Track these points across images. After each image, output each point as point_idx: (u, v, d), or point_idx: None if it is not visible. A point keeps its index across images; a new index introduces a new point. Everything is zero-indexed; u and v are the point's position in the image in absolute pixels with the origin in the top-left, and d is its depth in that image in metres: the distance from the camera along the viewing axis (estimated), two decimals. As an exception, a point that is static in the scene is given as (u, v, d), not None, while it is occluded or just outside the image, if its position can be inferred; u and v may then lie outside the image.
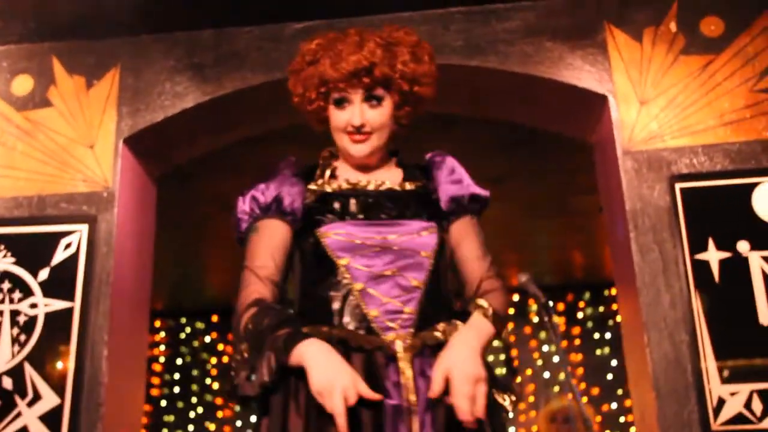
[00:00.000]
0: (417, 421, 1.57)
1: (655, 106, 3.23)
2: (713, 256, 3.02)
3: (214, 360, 7.34)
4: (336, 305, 1.67)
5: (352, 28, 1.82)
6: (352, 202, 1.74)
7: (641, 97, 3.25)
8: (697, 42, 3.28)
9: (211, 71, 3.45)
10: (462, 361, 1.58)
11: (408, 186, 1.80)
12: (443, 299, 1.75)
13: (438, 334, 1.68)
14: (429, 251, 1.72)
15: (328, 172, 1.83)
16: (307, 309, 1.72)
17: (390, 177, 1.83)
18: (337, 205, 1.74)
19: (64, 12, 3.33)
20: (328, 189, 1.78)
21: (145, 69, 3.46)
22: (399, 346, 1.63)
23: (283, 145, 3.85)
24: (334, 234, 1.71)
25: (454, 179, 1.85)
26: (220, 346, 7.36)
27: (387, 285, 1.67)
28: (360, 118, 1.75)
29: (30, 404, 2.98)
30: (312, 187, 1.80)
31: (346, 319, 1.66)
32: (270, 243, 1.75)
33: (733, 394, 2.88)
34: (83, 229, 3.19)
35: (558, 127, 3.76)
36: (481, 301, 1.74)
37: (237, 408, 7.17)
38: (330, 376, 1.51)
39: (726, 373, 2.90)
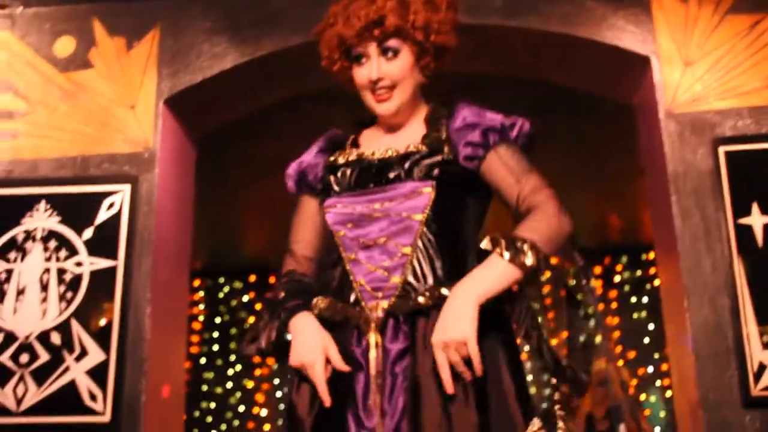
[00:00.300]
0: (375, 392, 1.59)
1: (699, 68, 3.16)
2: (757, 220, 2.97)
3: (251, 319, 7.44)
4: (334, 278, 1.72)
5: None
6: (349, 172, 1.75)
7: (685, 59, 3.18)
8: (745, 0, 3.19)
9: (250, 32, 3.45)
10: (441, 324, 1.53)
11: (413, 147, 1.74)
12: (443, 261, 1.65)
13: (421, 298, 1.62)
14: (419, 213, 1.66)
15: (350, 140, 1.85)
16: (321, 281, 1.79)
17: (411, 137, 1.77)
18: (340, 178, 1.76)
19: (104, -27, 3.35)
20: (339, 161, 1.80)
21: (184, 30, 3.47)
22: (370, 316, 1.63)
23: (321, 107, 3.86)
24: (332, 208, 1.74)
25: (470, 120, 1.75)
26: (258, 306, 7.46)
27: (375, 253, 1.67)
28: (377, 72, 1.73)
29: (77, 359, 3.07)
30: (330, 159, 1.83)
31: (342, 290, 1.70)
32: (302, 219, 1.86)
33: (775, 360, 2.86)
34: (125, 189, 3.24)
35: (599, 89, 3.70)
36: (496, 235, 1.58)
37: (274, 365, 7.29)
38: (306, 349, 1.62)
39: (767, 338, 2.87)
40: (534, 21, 3.32)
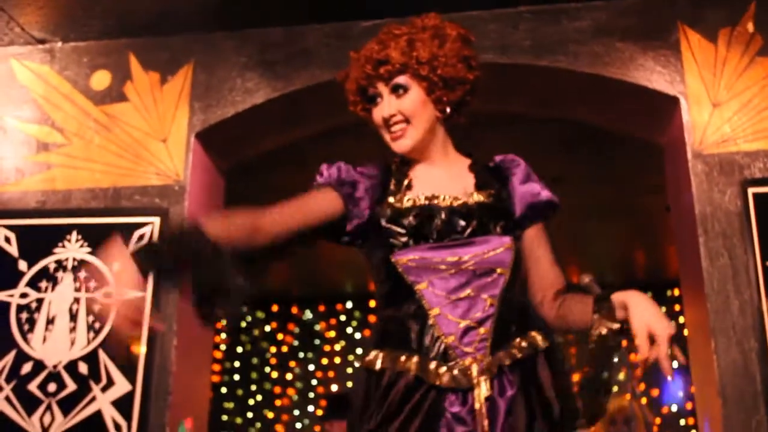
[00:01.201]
0: None
1: (728, 109, 3.17)
2: (786, 263, 2.96)
3: (273, 349, 7.46)
4: (413, 331, 1.67)
5: (385, 27, 1.83)
6: (426, 224, 1.71)
7: (714, 100, 3.19)
8: (774, 43, 3.20)
9: (281, 68, 3.51)
10: (659, 318, 1.58)
11: (480, 197, 1.76)
12: (519, 312, 1.73)
13: (515, 351, 1.66)
14: (505, 268, 1.71)
15: (405, 182, 1.81)
16: (387, 333, 1.72)
17: (462, 183, 1.80)
18: (410, 227, 1.71)
19: (141, 10, 3.43)
20: (403, 205, 1.75)
21: (217, 65, 3.53)
22: (474, 371, 1.62)
23: (352, 141, 3.89)
24: (408, 259, 1.69)
25: (530, 185, 1.82)
26: (280, 336, 7.48)
27: (462, 307, 1.66)
28: (388, 109, 1.75)
29: (104, 389, 3.10)
30: (390, 200, 1.77)
31: (424, 345, 1.65)
32: (307, 206, 1.75)
33: (803, 404, 2.82)
34: (155, 221, 3.29)
35: (627, 128, 3.72)
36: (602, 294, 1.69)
37: (294, 396, 7.28)
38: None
39: (797, 383, 2.84)
40: (563, 61, 3.35)
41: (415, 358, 1.64)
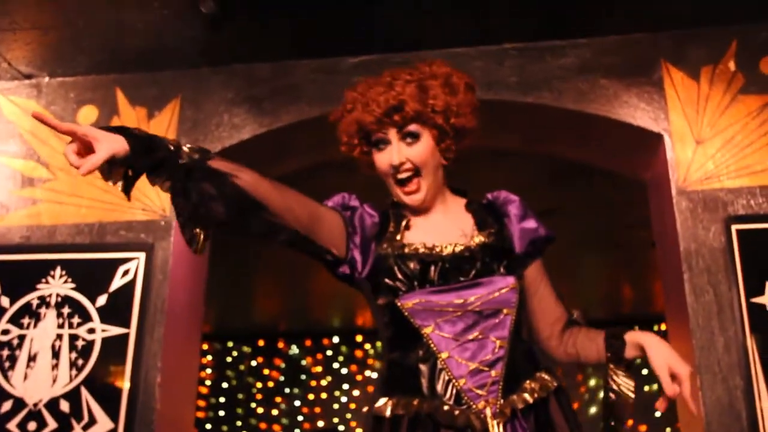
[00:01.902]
0: None
1: (711, 146, 3.20)
2: (770, 299, 2.97)
3: (259, 384, 7.39)
4: (423, 375, 1.65)
5: (387, 70, 1.81)
6: (431, 269, 1.69)
7: (697, 137, 3.22)
8: (756, 81, 3.24)
9: (268, 104, 3.52)
10: (678, 358, 1.63)
11: (482, 238, 1.75)
12: (527, 352, 1.73)
13: (527, 395, 1.65)
14: (511, 308, 1.69)
15: (403, 224, 1.79)
16: (395, 378, 1.70)
17: (461, 225, 1.79)
18: (414, 272, 1.70)
19: (128, 45, 3.44)
20: (405, 250, 1.73)
21: (204, 101, 3.55)
22: (489, 413, 1.60)
23: (340, 176, 3.90)
24: (413, 303, 1.67)
25: (527, 221, 1.82)
26: (266, 371, 7.42)
27: (471, 350, 1.65)
28: (398, 157, 1.73)
29: (85, 428, 3.05)
30: (391, 244, 1.75)
31: (436, 389, 1.63)
32: (320, 209, 1.73)
33: (789, 442, 2.82)
34: (141, 256, 3.27)
35: (612, 164, 3.74)
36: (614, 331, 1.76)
37: (281, 433, 7.18)
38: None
39: (783, 420, 2.84)
40: (548, 98, 3.38)
41: (427, 403, 1.62)
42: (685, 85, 3.30)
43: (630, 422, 6.63)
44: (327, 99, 3.48)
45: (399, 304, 1.68)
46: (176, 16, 3.25)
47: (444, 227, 1.78)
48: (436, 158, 1.77)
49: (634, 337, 1.70)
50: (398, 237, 1.76)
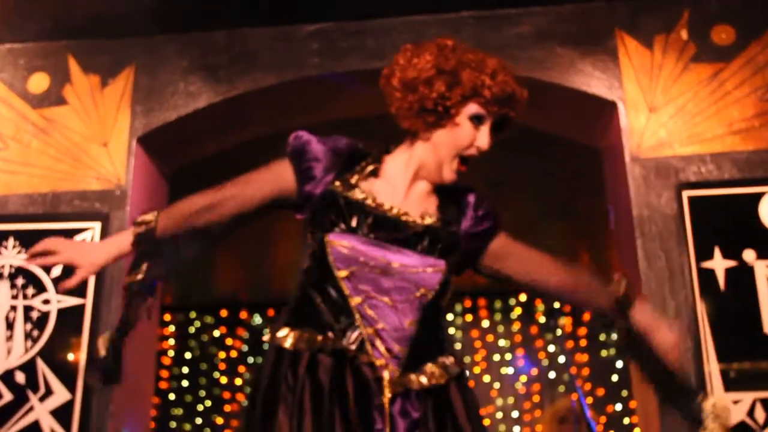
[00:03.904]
0: None
1: (664, 114, 3.25)
2: (719, 264, 3.04)
3: (222, 354, 7.38)
4: (331, 314, 1.66)
5: (484, 54, 1.74)
6: (368, 220, 1.70)
7: (651, 105, 3.27)
8: (707, 50, 3.29)
9: (224, 72, 3.48)
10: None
11: (428, 220, 1.74)
12: (436, 336, 1.73)
13: (424, 379, 1.66)
14: (429, 289, 1.69)
15: (369, 168, 1.77)
16: (303, 312, 1.70)
17: (423, 205, 1.78)
18: (353, 218, 1.70)
19: (80, 11, 3.37)
20: (357, 195, 1.72)
21: (159, 69, 3.50)
22: (386, 376, 1.62)
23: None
24: (339, 244, 1.67)
25: (479, 216, 1.82)
26: (229, 341, 7.41)
27: (382, 310, 1.66)
28: (488, 143, 1.72)
29: (42, 399, 3.04)
30: (346, 179, 1.74)
31: (342, 330, 1.65)
32: (264, 181, 1.81)
33: (736, 402, 2.91)
34: (96, 226, 3.24)
35: (567, 132, 3.78)
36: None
37: (244, 402, 7.22)
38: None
39: (729, 381, 2.92)
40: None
41: (331, 342, 1.64)
42: (638, 53, 3.33)
43: (587, 386, 6.77)
44: (283, 67, 3.46)
45: (327, 239, 1.68)
46: (128, -18, 3.19)
47: (411, 197, 1.77)
48: None
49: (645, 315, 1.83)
50: (354, 180, 1.75)
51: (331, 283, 1.67)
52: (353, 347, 1.64)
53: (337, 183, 1.73)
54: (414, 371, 1.66)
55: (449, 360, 1.71)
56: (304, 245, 1.77)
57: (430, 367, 1.68)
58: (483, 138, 1.72)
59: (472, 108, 1.70)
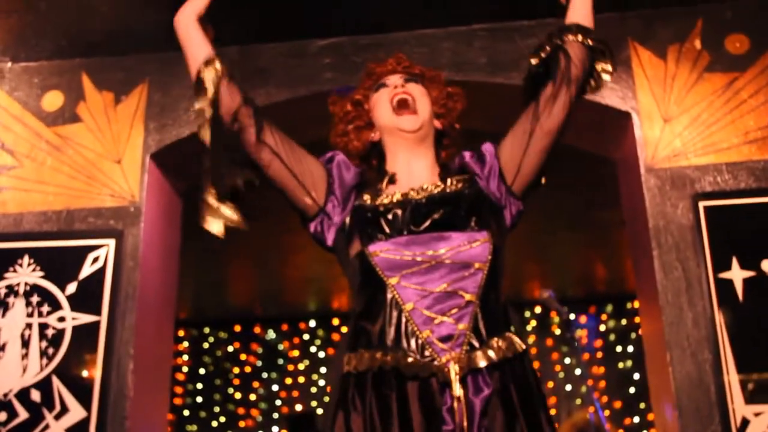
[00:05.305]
0: None
1: (678, 124, 3.23)
2: (737, 274, 3.01)
3: (236, 370, 7.38)
4: (388, 327, 1.65)
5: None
6: (402, 216, 1.72)
7: (665, 115, 3.25)
8: (721, 59, 3.27)
9: (237, 87, 3.48)
10: None
11: (455, 184, 1.80)
12: (498, 311, 1.70)
13: (491, 352, 1.63)
14: (482, 262, 1.68)
15: (386, 179, 1.83)
16: (361, 332, 1.69)
17: (433, 179, 1.84)
18: (387, 222, 1.72)
19: (94, 29, 3.39)
20: (383, 201, 1.77)
21: (172, 85, 3.51)
22: (452, 369, 1.60)
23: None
24: (382, 252, 1.68)
25: (475, 160, 1.91)
26: (243, 356, 7.41)
27: (439, 302, 1.64)
28: (401, 81, 1.88)
29: (57, 417, 3.03)
30: (367, 197, 1.79)
31: (400, 341, 1.63)
32: (304, 154, 1.87)
33: (757, 414, 2.87)
34: (110, 243, 3.24)
35: (581, 143, 3.75)
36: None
37: (258, 417, 7.20)
38: None
39: (750, 393, 2.88)
40: (517, 78, 3.37)
41: (391, 355, 1.62)
42: (652, 63, 3.32)
43: (604, 398, 6.71)
44: (295, 82, 3.46)
45: (367, 251, 1.69)
46: (141, -1, 3.21)
47: (423, 172, 1.85)
48: (431, 106, 1.92)
49: None
50: (380, 187, 1.81)
51: (382, 296, 1.67)
52: (415, 354, 1.62)
53: (365, 196, 1.79)
54: (480, 347, 1.63)
55: (516, 336, 1.68)
56: (347, 271, 1.78)
57: (496, 341, 1.64)
58: (393, 83, 1.90)
59: (377, 82, 1.94)
